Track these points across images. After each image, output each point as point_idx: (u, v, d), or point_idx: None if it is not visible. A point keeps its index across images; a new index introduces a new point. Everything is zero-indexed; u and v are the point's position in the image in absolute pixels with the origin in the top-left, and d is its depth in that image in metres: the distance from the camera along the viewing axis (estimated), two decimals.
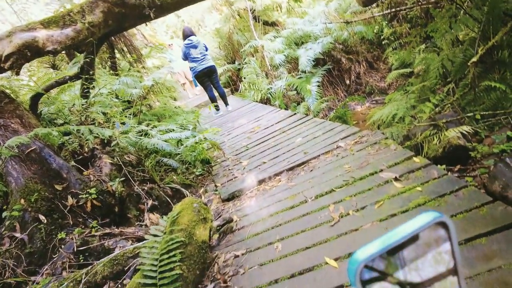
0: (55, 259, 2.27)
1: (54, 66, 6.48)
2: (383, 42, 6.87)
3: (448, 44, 4.02)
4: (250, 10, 8.04)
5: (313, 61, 6.80)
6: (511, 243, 1.36)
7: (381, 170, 2.43)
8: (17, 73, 3.08)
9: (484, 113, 2.84)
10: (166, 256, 1.87)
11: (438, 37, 4.12)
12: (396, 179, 2.25)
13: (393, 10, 5.83)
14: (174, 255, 1.88)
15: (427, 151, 2.84)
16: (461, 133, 2.68)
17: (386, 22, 6.62)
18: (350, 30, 7.00)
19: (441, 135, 2.76)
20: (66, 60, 6.17)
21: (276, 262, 1.98)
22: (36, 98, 3.53)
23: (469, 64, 2.97)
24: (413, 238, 0.25)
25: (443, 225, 0.26)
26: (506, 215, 1.53)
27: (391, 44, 6.48)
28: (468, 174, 2.41)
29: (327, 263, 1.78)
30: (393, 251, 0.25)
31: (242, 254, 2.19)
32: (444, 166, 2.44)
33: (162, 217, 2.29)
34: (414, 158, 2.40)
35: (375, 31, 7.04)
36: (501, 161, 2.05)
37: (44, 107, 3.92)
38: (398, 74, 5.46)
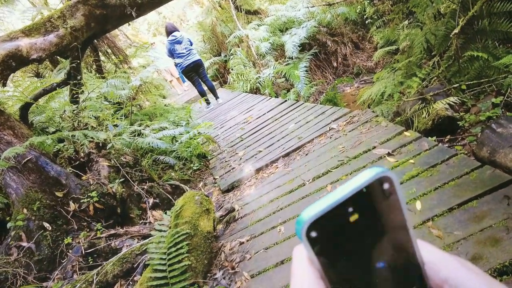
0: (64, 263, 2.31)
1: (38, 75, 6.37)
2: (366, 22, 6.90)
3: (430, 18, 4.07)
4: (231, 0, 7.96)
5: (299, 46, 6.81)
6: (500, 203, 1.44)
7: (374, 147, 2.49)
8: (4, 85, 3.04)
9: (469, 82, 2.91)
10: (173, 249, 1.93)
11: (420, 12, 4.17)
12: (389, 154, 2.32)
13: None
14: (181, 247, 1.93)
15: (417, 125, 2.91)
16: (449, 104, 2.75)
17: (368, 1, 6.63)
18: (333, 12, 7.00)
19: (430, 108, 2.83)
20: (50, 68, 6.07)
21: (280, 245, 2.05)
22: (25, 108, 3.51)
23: (451, 36, 3.02)
24: (358, 195, 0.24)
25: (388, 179, 0.25)
26: (494, 178, 1.60)
27: (374, 22, 6.51)
28: (457, 143, 2.50)
29: None
30: (340, 208, 0.24)
31: (247, 241, 2.25)
32: (434, 138, 2.53)
33: (166, 213, 2.34)
34: (405, 133, 2.47)
35: (357, 11, 7.05)
36: (488, 127, 2.12)
37: (35, 116, 3.89)
38: (384, 52, 5.51)
